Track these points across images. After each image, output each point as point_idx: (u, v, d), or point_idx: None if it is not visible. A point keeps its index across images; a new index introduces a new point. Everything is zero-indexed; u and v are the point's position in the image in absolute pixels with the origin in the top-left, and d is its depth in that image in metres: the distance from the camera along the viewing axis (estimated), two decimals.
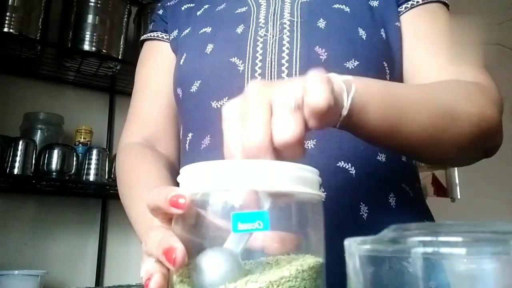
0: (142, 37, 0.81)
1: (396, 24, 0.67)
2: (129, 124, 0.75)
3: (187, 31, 0.73)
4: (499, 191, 2.66)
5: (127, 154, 0.70)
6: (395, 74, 0.66)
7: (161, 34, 0.78)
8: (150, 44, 0.79)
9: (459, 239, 0.22)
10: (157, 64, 0.77)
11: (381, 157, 0.60)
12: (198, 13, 0.74)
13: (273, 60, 0.62)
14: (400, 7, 0.68)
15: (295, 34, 0.63)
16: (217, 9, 0.72)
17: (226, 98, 0.62)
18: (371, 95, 0.42)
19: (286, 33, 0.64)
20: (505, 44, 2.84)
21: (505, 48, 2.84)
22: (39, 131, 1.69)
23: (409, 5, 0.67)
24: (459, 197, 2.69)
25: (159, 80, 0.75)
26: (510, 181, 2.72)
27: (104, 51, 1.73)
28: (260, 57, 0.63)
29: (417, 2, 0.67)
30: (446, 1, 0.69)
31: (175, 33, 0.76)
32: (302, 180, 0.33)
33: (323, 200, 0.35)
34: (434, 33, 0.65)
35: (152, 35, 0.79)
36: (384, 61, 0.65)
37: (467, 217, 2.61)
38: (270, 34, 0.64)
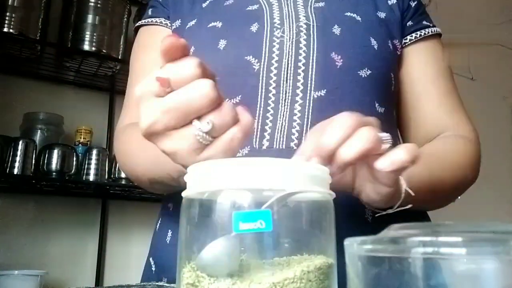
0: (139, 23, 0.76)
1: (397, 44, 0.70)
2: (123, 116, 0.73)
3: (192, 22, 0.70)
4: (499, 191, 2.66)
5: (126, 131, 0.68)
6: (395, 87, 0.70)
7: (164, 20, 0.73)
8: (149, 29, 0.74)
9: (459, 239, 0.22)
10: (154, 49, 0.74)
11: None
12: (204, 5, 0.72)
13: (289, 62, 0.62)
14: (405, 38, 0.72)
15: (311, 38, 0.63)
16: (225, 4, 0.70)
17: (239, 96, 0.61)
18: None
19: (303, 36, 0.63)
20: (505, 44, 2.84)
21: (505, 48, 2.84)
22: (39, 131, 1.69)
23: (413, 37, 0.71)
24: (459, 197, 2.68)
25: (156, 65, 0.73)
26: (510, 181, 2.72)
27: (104, 51, 1.73)
28: (276, 58, 0.62)
29: (420, 35, 0.72)
30: (440, 32, 0.75)
31: (178, 23, 0.72)
32: (311, 179, 0.32)
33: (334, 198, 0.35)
34: (433, 78, 0.71)
35: (152, 21, 0.74)
36: (391, 72, 0.67)
37: (467, 217, 2.61)
38: (287, 36, 0.63)
